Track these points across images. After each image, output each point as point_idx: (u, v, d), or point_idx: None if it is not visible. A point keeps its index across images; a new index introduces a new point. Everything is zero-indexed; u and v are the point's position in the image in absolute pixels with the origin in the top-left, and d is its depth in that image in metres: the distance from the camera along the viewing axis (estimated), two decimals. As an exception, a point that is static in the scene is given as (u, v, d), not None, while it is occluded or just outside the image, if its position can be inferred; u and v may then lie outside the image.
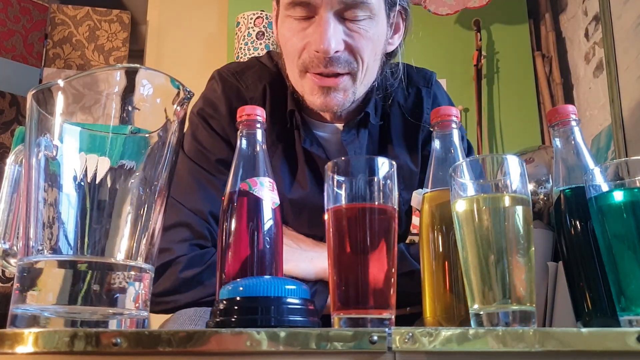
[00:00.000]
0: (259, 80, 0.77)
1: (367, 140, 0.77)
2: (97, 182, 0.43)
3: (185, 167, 0.75)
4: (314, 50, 0.66)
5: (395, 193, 0.49)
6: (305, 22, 0.67)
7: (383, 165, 0.49)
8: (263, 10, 1.86)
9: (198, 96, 0.80)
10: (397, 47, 0.76)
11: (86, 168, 0.43)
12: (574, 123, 0.53)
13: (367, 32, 0.68)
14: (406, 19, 0.75)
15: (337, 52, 0.65)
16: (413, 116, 0.79)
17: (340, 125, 0.77)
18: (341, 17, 0.66)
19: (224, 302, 0.43)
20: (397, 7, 0.72)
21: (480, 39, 1.90)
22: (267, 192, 0.56)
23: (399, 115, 0.79)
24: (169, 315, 0.71)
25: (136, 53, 2.22)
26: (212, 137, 0.75)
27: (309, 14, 0.66)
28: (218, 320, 0.43)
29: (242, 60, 1.80)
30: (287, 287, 0.43)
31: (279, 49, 0.76)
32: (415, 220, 1.31)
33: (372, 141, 0.78)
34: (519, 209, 0.45)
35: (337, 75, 0.67)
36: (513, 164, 0.46)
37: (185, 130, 0.78)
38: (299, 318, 0.42)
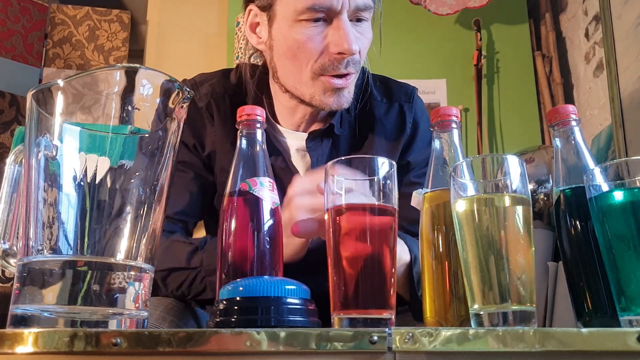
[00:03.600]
0: (211, 93, 0.81)
1: (331, 150, 0.80)
2: (97, 182, 0.43)
3: None
4: (337, 52, 0.69)
5: (396, 193, 0.49)
6: (322, 27, 0.70)
7: (383, 165, 0.49)
8: (263, 10, 1.86)
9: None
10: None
11: (86, 168, 0.43)
12: (574, 123, 0.53)
13: (368, 34, 0.74)
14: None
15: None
16: (395, 129, 0.83)
17: (304, 134, 0.80)
18: (351, 20, 0.71)
19: (224, 302, 0.43)
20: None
21: (481, 39, 1.90)
22: (267, 192, 0.56)
23: (379, 127, 0.83)
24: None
25: (136, 53, 2.22)
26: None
27: (325, 18, 0.69)
28: (218, 320, 0.43)
29: (241, 59, 1.80)
30: (287, 287, 0.43)
31: (268, 53, 0.77)
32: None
33: (337, 150, 0.81)
34: (519, 209, 0.45)
35: (347, 75, 0.72)
36: (513, 163, 0.46)
37: None
38: (299, 318, 0.42)
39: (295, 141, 0.80)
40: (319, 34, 0.70)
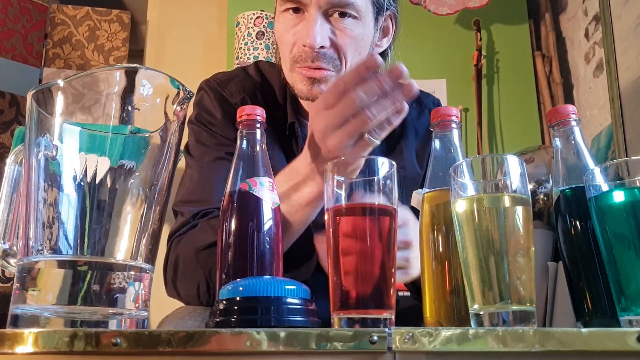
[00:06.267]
0: (242, 89, 0.83)
1: None
2: (97, 182, 0.43)
3: (197, 169, 0.78)
4: (302, 44, 0.71)
5: (396, 193, 0.49)
6: (297, 19, 0.72)
7: (383, 165, 0.49)
8: (263, 10, 1.86)
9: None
10: (386, 50, 0.82)
11: (86, 168, 0.43)
12: (574, 123, 0.53)
13: (352, 32, 0.73)
14: (395, 24, 0.82)
15: (322, 47, 0.71)
16: (426, 134, 0.87)
17: None
18: (328, 16, 0.72)
19: (224, 302, 0.43)
20: (387, 12, 0.79)
21: (480, 39, 1.90)
22: (267, 192, 0.56)
23: (411, 131, 0.86)
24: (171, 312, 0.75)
25: (136, 53, 2.22)
26: (216, 137, 0.80)
27: (299, 9, 0.72)
28: (218, 320, 0.43)
29: (241, 60, 1.80)
30: (287, 287, 0.43)
31: (276, 46, 0.80)
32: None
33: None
34: (519, 209, 0.45)
35: (320, 69, 0.73)
36: (513, 163, 0.46)
37: (186, 143, 0.84)
38: (298, 318, 0.42)
39: None
40: (293, 27, 0.72)
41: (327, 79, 0.73)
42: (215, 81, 0.83)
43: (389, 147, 0.84)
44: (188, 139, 0.84)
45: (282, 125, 0.81)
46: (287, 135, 0.81)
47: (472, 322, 0.45)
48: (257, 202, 0.55)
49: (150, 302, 0.46)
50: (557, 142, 0.54)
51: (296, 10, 0.72)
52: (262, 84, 0.83)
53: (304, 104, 0.82)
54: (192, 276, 0.70)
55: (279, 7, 0.74)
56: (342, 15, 0.72)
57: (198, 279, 0.69)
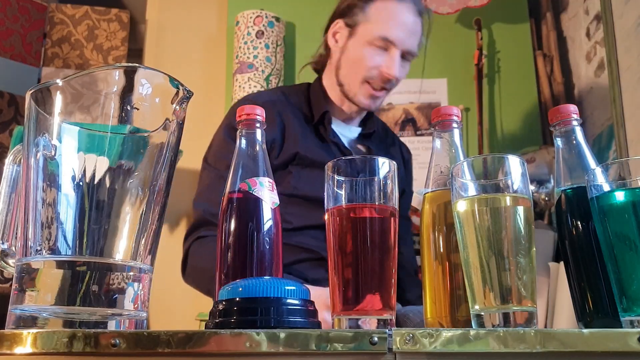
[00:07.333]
0: (270, 113, 1.05)
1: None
2: (95, 182, 0.43)
3: (211, 173, 0.97)
4: (385, 72, 1.00)
5: (396, 193, 0.49)
6: (380, 52, 1.00)
7: (383, 165, 0.49)
8: (262, 9, 1.85)
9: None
10: None
11: (85, 168, 0.43)
12: (575, 123, 0.53)
13: (407, 70, 1.05)
14: None
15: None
16: (388, 132, 1.19)
17: (350, 125, 1.10)
18: (400, 57, 1.03)
19: (224, 302, 0.43)
20: None
21: (481, 38, 1.90)
22: (266, 192, 0.56)
23: (396, 148, 1.16)
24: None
25: (135, 52, 2.22)
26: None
27: (384, 48, 1.00)
28: (217, 321, 0.42)
29: (241, 59, 1.79)
30: (287, 287, 0.43)
31: (338, 53, 1.05)
32: (415, 220, 1.40)
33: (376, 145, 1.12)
34: (520, 209, 0.45)
35: (382, 90, 1.03)
36: (514, 163, 0.46)
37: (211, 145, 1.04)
38: (298, 319, 0.42)
39: (345, 129, 1.07)
40: (377, 55, 1.00)
41: (383, 98, 1.04)
42: (252, 98, 1.08)
43: (386, 147, 1.12)
44: (209, 147, 1.02)
45: (308, 119, 1.04)
46: (314, 124, 1.03)
47: (473, 323, 0.44)
48: (256, 202, 0.55)
49: (150, 302, 0.46)
50: (559, 141, 0.53)
51: (383, 45, 1.00)
52: (284, 97, 1.06)
53: (333, 102, 1.07)
54: (206, 286, 0.88)
55: (371, 39, 0.99)
56: (405, 58, 1.02)
57: (210, 289, 0.85)
